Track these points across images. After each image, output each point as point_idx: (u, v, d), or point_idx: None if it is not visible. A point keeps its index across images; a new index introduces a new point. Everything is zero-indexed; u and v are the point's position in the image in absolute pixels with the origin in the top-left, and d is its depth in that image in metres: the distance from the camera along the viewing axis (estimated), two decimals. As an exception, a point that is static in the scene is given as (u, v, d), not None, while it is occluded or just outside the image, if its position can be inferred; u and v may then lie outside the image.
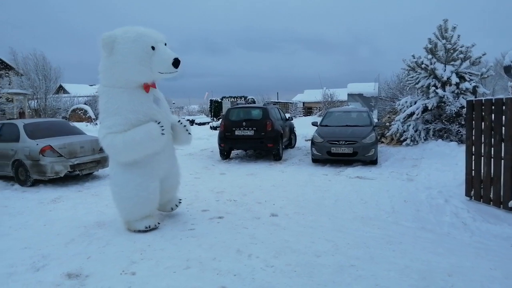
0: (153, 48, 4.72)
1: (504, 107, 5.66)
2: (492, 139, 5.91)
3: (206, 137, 18.44)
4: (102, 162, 8.88)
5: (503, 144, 5.71)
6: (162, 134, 4.80)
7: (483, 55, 12.54)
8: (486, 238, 4.87)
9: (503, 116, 5.68)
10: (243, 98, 35.42)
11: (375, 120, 14.50)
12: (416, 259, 4.10)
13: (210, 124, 27.29)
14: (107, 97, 4.86)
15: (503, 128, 5.70)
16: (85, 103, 31.73)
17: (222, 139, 11.48)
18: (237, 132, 11.23)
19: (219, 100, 37.94)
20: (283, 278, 3.71)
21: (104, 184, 8.36)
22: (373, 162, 10.24)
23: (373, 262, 4.03)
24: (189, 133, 5.32)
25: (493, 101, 5.91)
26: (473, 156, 6.32)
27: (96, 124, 24.82)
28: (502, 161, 5.71)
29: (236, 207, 6.33)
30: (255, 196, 7.05)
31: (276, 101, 46.88)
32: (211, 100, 39.83)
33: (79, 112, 29.87)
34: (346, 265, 3.96)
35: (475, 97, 11.83)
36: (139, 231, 5.04)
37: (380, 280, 3.62)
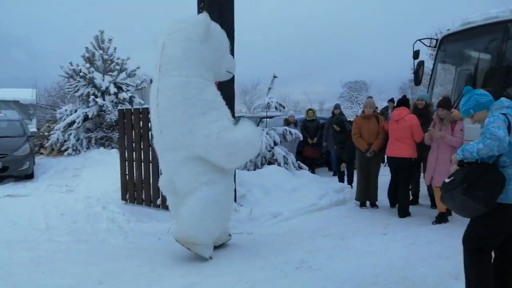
0: None
1: (150, 116, 6.27)
2: (142, 145, 6.44)
3: None
4: None
5: (150, 150, 6.31)
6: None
7: (138, 68, 13.83)
8: (139, 237, 5.21)
9: (149, 124, 6.28)
10: None
11: (32, 130, 13.21)
12: (67, 275, 3.85)
13: None
14: (197, 89, 4.00)
15: (150, 134, 6.31)
16: None
17: None
18: None
19: None
20: None
21: None
22: (28, 176, 9.22)
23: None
24: None
25: (141, 110, 6.45)
26: (126, 161, 6.69)
27: None
28: (151, 165, 6.31)
29: None
30: None
31: None
32: None
33: None
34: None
35: (132, 107, 12.76)
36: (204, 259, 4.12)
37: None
